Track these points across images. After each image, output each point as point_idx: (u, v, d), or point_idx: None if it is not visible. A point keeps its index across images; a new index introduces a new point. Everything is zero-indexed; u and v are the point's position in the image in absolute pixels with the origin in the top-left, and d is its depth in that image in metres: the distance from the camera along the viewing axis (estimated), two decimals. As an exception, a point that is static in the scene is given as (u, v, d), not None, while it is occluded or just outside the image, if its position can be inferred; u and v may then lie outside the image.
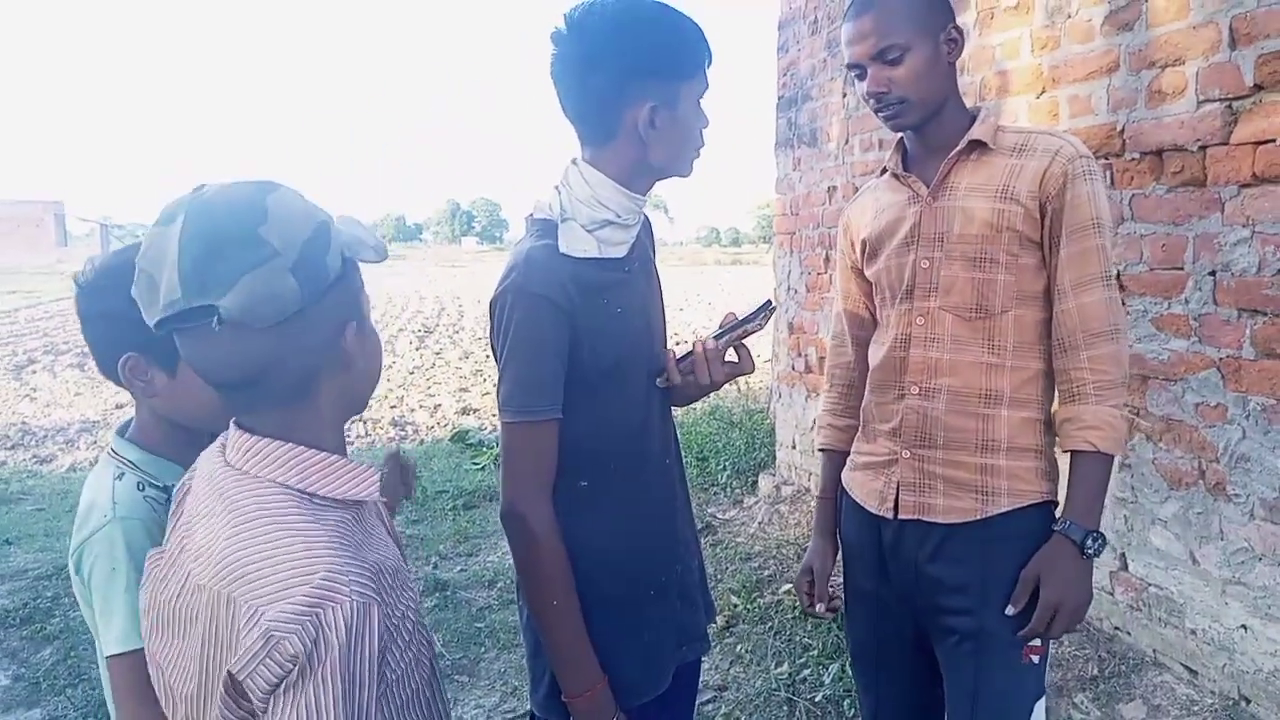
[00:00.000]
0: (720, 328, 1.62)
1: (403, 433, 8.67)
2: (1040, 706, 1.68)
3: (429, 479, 6.15)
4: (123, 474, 1.32)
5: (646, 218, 1.64)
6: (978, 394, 1.66)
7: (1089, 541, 1.58)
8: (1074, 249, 1.60)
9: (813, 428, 4.96)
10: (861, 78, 1.66)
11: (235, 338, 0.93)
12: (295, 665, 0.87)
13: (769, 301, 1.62)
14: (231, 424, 1.05)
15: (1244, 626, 2.55)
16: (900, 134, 1.77)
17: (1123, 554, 2.98)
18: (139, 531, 1.25)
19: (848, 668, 3.22)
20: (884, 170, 1.83)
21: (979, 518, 1.66)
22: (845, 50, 1.67)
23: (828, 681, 3.17)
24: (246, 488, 0.98)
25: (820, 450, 2.04)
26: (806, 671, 3.28)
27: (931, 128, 1.69)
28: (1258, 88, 2.37)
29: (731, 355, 1.62)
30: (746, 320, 1.59)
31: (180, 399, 1.32)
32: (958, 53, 1.66)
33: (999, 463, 1.65)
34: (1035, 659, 1.66)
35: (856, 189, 4.46)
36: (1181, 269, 2.65)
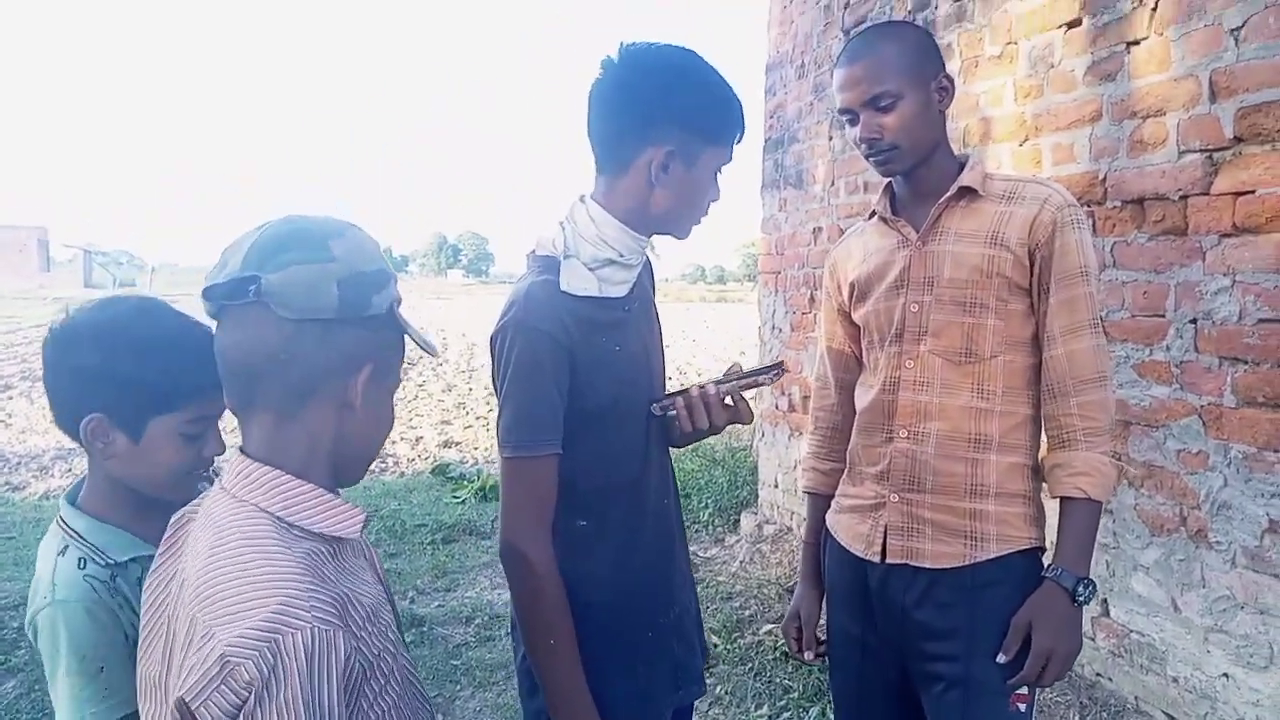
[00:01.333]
0: (725, 376, 1.62)
1: (383, 464, 8.58)
2: None
3: (408, 512, 6.09)
4: (66, 548, 1.26)
5: (648, 259, 1.64)
6: (966, 438, 1.66)
7: (1080, 589, 1.58)
8: (1063, 296, 1.62)
9: (795, 466, 4.95)
10: (853, 123, 1.68)
11: (259, 319, 0.98)
12: (251, 692, 0.84)
13: (781, 363, 1.63)
14: (235, 450, 1.07)
15: (1226, 675, 2.54)
16: (889, 179, 1.79)
17: (1105, 600, 2.97)
18: (78, 615, 1.21)
19: (829, 712, 3.19)
20: (872, 214, 1.84)
21: (967, 563, 1.65)
22: (837, 95, 1.69)
23: (808, 725, 3.13)
24: (229, 510, 0.99)
25: (805, 493, 2.03)
26: (787, 714, 3.24)
27: (921, 173, 1.71)
28: (1237, 139, 2.41)
29: (729, 402, 1.61)
30: (756, 373, 1.60)
31: (139, 464, 1.26)
32: (948, 101, 1.68)
33: (988, 508, 1.65)
34: (1022, 707, 1.65)
35: (842, 230, 4.50)
36: (1163, 316, 2.68)
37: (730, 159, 1.52)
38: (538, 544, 1.43)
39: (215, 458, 1.33)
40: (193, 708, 0.85)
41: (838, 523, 1.86)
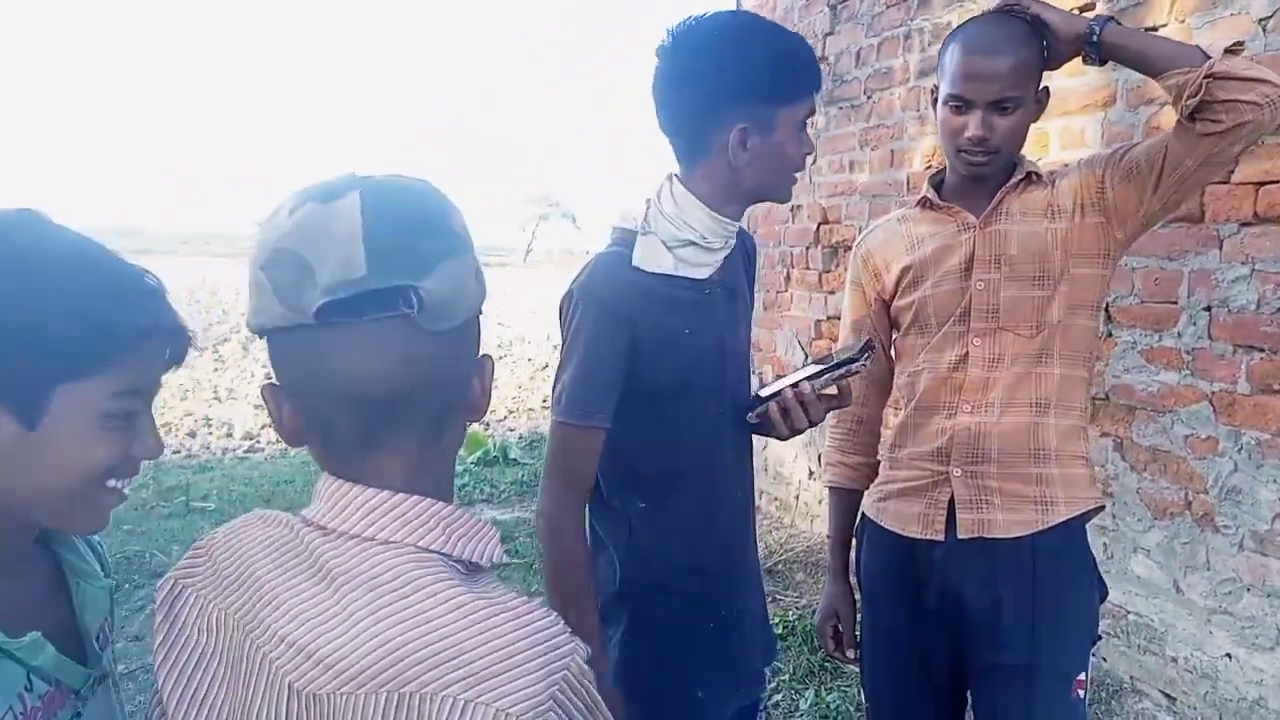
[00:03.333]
0: (816, 364, 1.55)
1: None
2: None
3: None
4: None
5: (750, 240, 1.61)
6: (1028, 404, 1.67)
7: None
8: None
9: (765, 446, 4.94)
10: (960, 112, 1.63)
11: (404, 338, 0.74)
12: None
13: (869, 341, 1.55)
14: (324, 477, 0.80)
15: (1229, 655, 2.59)
16: (940, 169, 1.82)
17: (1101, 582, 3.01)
18: None
19: (822, 692, 3.18)
20: (922, 200, 1.81)
21: (1041, 529, 1.66)
22: (959, 80, 1.61)
23: (804, 707, 3.11)
24: (368, 556, 0.75)
25: (829, 488, 2.00)
26: (779, 696, 3.22)
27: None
28: (1263, 129, 2.43)
29: (830, 388, 1.55)
30: (849, 361, 1.52)
31: (30, 462, 0.85)
32: (1041, 112, 1.69)
33: (1052, 471, 1.67)
34: (1082, 694, 1.65)
35: (824, 210, 4.48)
36: (1175, 303, 2.70)
37: (811, 109, 1.48)
38: (568, 512, 1.45)
39: (147, 461, 0.95)
40: None
41: (884, 510, 1.83)
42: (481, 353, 0.86)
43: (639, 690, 1.45)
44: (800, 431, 1.55)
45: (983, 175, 1.68)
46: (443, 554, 0.77)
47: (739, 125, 1.41)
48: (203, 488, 6.10)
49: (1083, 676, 1.66)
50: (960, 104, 1.62)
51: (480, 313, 0.84)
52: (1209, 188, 2.58)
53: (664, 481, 1.50)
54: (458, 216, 0.81)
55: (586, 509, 1.53)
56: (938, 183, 1.80)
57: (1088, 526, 1.75)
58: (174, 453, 7.56)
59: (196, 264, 33.60)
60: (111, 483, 0.92)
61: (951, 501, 1.70)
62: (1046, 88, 1.67)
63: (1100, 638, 1.74)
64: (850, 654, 1.95)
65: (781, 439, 1.60)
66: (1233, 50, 1.46)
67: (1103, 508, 1.71)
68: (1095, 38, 1.55)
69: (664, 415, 1.47)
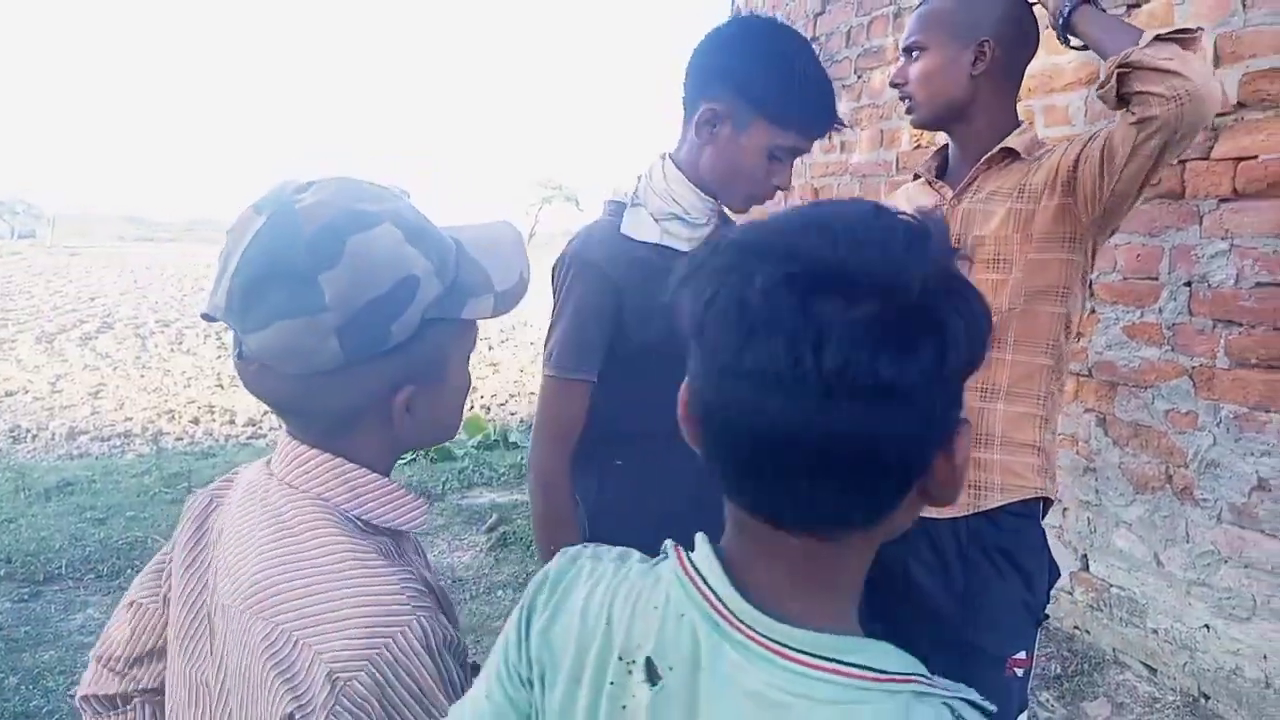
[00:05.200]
0: None
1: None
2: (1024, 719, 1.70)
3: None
4: None
5: (728, 218, 1.64)
6: (974, 387, 1.65)
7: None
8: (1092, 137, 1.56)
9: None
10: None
11: (261, 370, 0.86)
12: (375, 704, 0.76)
13: None
14: (283, 431, 0.93)
15: (1207, 626, 2.63)
16: (945, 144, 1.81)
17: (1084, 555, 3.05)
18: None
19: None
20: (916, 175, 1.85)
21: (969, 512, 1.65)
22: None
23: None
24: (291, 501, 0.87)
25: None
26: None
27: (961, 134, 1.72)
28: (1240, 105, 2.45)
29: None
30: None
31: None
32: (983, 65, 1.63)
33: (992, 457, 1.65)
34: (1019, 672, 1.67)
35: (816, 190, 4.50)
36: (1156, 279, 2.72)
37: (798, 148, 1.52)
38: (555, 460, 1.54)
39: None
40: None
41: None
42: (408, 388, 0.88)
43: None
44: None
45: (920, 124, 1.75)
46: (343, 510, 0.87)
47: (715, 105, 1.47)
48: (205, 474, 6.14)
49: (1021, 656, 1.65)
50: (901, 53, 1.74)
51: (381, 356, 0.85)
52: (1189, 164, 2.59)
53: (639, 440, 1.53)
54: (342, 275, 0.80)
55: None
56: (943, 158, 1.81)
57: (1063, 509, 1.75)
58: (177, 439, 7.63)
59: (201, 251, 33.58)
60: None
61: None
62: (995, 42, 1.62)
63: (1047, 617, 1.75)
64: None
65: None
66: (1180, 36, 1.40)
67: (1049, 499, 1.69)
68: (1062, 18, 1.55)
69: (645, 377, 1.45)
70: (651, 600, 0.66)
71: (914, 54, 1.68)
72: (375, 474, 0.90)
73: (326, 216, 0.82)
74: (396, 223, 0.85)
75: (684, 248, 1.54)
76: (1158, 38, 1.39)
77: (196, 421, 8.54)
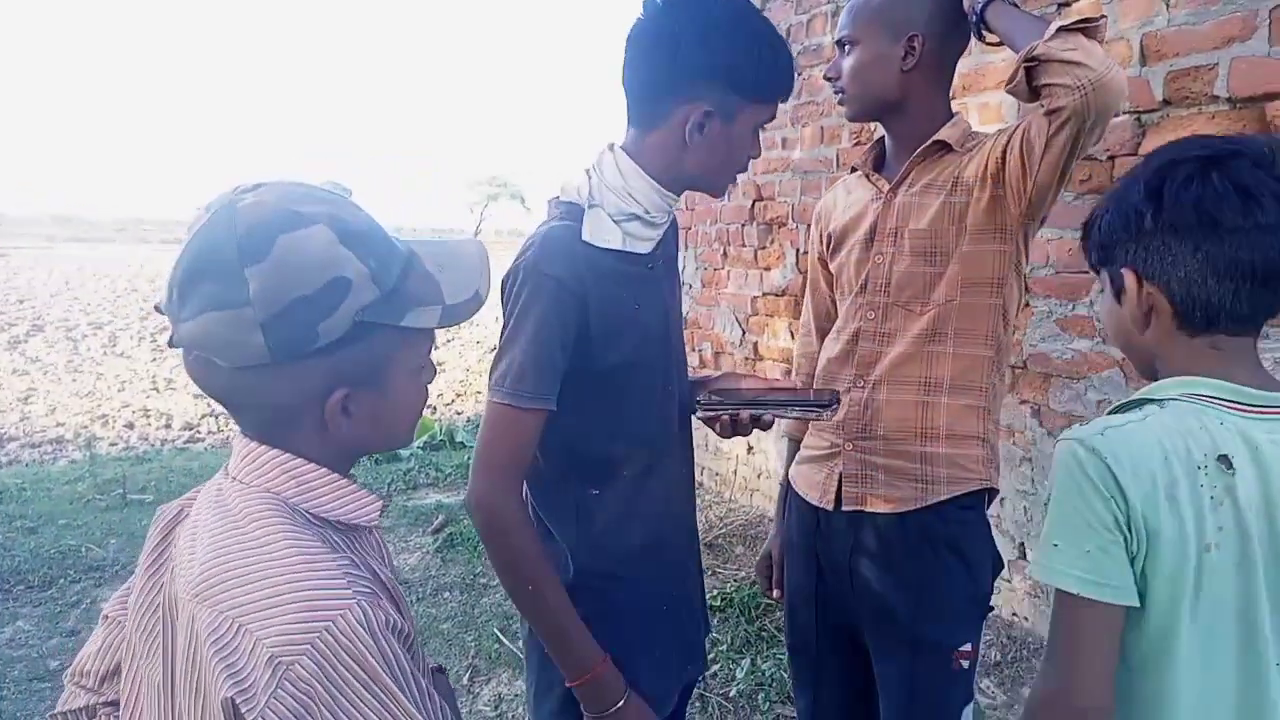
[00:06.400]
0: (784, 392, 1.52)
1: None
2: (968, 712, 1.72)
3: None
4: None
5: (674, 218, 1.57)
6: (918, 382, 1.68)
7: None
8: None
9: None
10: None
11: (198, 360, 0.88)
12: (318, 687, 0.77)
13: (838, 393, 1.52)
14: (237, 432, 0.95)
15: (1140, 611, 2.70)
16: (881, 136, 1.82)
17: (1022, 544, 3.12)
18: None
19: (759, 661, 3.25)
20: (853, 168, 1.86)
21: (917, 506, 1.67)
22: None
23: (740, 676, 3.17)
24: (239, 495, 0.90)
25: (784, 437, 2.04)
26: (716, 666, 3.28)
27: (897, 128, 1.73)
28: (1166, 103, 2.52)
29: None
30: (813, 405, 1.49)
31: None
32: (913, 61, 1.65)
33: (939, 450, 1.67)
34: (965, 663, 1.69)
35: (759, 187, 4.52)
36: (1087, 273, 2.79)
37: (773, 116, 1.44)
38: (511, 496, 1.36)
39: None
40: (250, 718, 0.77)
41: (797, 474, 1.88)
42: (341, 390, 0.89)
43: None
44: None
45: (853, 117, 1.76)
46: (290, 503, 0.89)
47: (704, 106, 1.35)
48: (140, 480, 5.99)
49: (967, 647, 1.68)
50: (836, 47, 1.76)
51: (312, 354, 0.86)
52: (1118, 160, 2.66)
53: (615, 464, 1.45)
54: (267, 267, 0.82)
55: (530, 499, 1.49)
56: (880, 150, 1.82)
57: (1001, 499, 1.78)
58: (111, 445, 7.43)
59: (135, 251, 32.70)
60: None
61: (841, 473, 1.74)
62: (924, 37, 1.63)
63: (993, 608, 1.78)
64: (775, 594, 2.01)
65: (720, 436, 1.63)
66: (1083, 25, 1.41)
67: (994, 490, 1.72)
68: (975, 15, 1.58)
69: (615, 396, 1.43)
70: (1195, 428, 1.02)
71: (846, 48, 1.69)
72: (324, 469, 0.92)
73: (261, 215, 0.84)
74: (332, 225, 0.86)
75: (644, 250, 1.44)
76: (1061, 29, 1.40)
77: (131, 426, 8.33)
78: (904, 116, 1.70)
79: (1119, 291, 1.12)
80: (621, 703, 1.38)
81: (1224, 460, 1.01)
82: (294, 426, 0.91)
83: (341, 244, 0.86)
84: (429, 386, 1.03)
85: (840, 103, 1.74)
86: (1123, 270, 1.10)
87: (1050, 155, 1.47)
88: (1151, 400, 1.08)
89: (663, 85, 1.38)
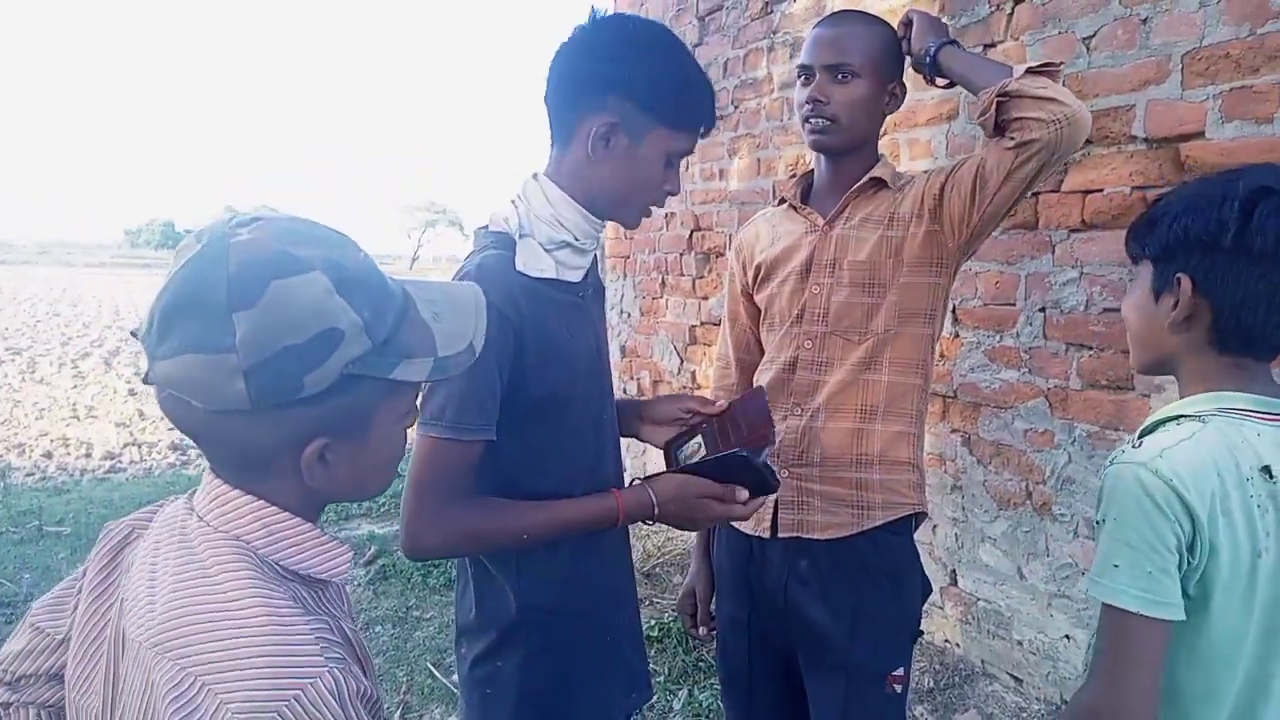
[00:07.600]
0: (737, 455, 1.43)
1: (184, 457, 7.98)
2: None
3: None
4: None
5: (599, 247, 1.56)
6: (854, 409, 1.71)
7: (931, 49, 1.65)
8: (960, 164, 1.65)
9: (645, 451, 4.98)
10: (806, 83, 1.71)
11: (173, 398, 0.82)
12: None
13: (778, 481, 1.47)
14: (207, 468, 0.91)
15: (1067, 636, 2.76)
16: (808, 170, 1.85)
17: (953, 570, 3.16)
18: None
19: (696, 692, 3.23)
20: (781, 200, 1.88)
21: (854, 532, 1.70)
22: (804, 52, 1.72)
23: (678, 707, 3.15)
24: (207, 540, 0.85)
25: None
26: (654, 698, 3.25)
27: (846, 163, 1.76)
28: (1087, 142, 2.60)
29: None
30: (761, 481, 1.42)
31: None
32: (894, 107, 1.75)
33: (873, 476, 1.71)
34: (898, 688, 1.72)
35: (696, 217, 4.56)
36: (1014, 305, 2.86)
37: (689, 149, 1.43)
38: (457, 525, 1.34)
39: None
40: None
41: None
42: (320, 440, 0.85)
43: (543, 715, 1.43)
44: None
45: (827, 147, 1.72)
46: (259, 554, 0.85)
47: (609, 118, 1.35)
48: (57, 511, 5.76)
49: (899, 672, 1.71)
50: (804, 74, 1.71)
51: (294, 404, 0.82)
52: (1041, 196, 2.74)
53: (554, 494, 1.41)
54: (257, 314, 0.78)
55: None
56: (807, 184, 1.85)
57: (933, 526, 1.81)
58: (27, 475, 7.13)
59: (57, 275, 31.67)
60: None
61: (778, 500, 1.75)
62: (903, 84, 1.72)
63: (922, 634, 1.81)
64: (701, 632, 2.00)
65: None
66: (1046, 69, 1.51)
67: (924, 514, 1.76)
68: (929, 58, 1.64)
69: (550, 425, 1.41)
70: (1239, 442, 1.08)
71: (841, 76, 1.66)
72: (296, 518, 0.88)
73: (255, 255, 0.80)
74: (329, 271, 0.81)
75: (575, 278, 1.43)
76: (1029, 70, 1.50)
77: (49, 455, 8.00)
78: (857, 155, 1.75)
79: (1162, 290, 1.15)
80: (656, 509, 1.41)
81: (1266, 471, 1.06)
82: (267, 471, 0.87)
83: (337, 293, 0.82)
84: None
85: (822, 130, 1.68)
86: (1180, 274, 1.12)
87: (1008, 187, 1.54)
88: (1188, 416, 1.12)
89: (573, 97, 1.39)
